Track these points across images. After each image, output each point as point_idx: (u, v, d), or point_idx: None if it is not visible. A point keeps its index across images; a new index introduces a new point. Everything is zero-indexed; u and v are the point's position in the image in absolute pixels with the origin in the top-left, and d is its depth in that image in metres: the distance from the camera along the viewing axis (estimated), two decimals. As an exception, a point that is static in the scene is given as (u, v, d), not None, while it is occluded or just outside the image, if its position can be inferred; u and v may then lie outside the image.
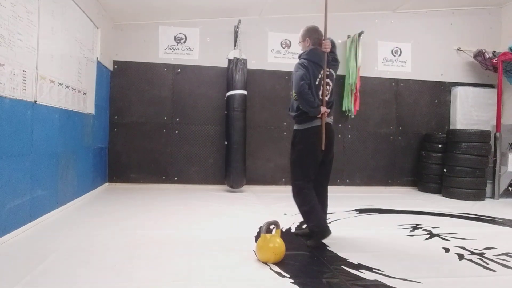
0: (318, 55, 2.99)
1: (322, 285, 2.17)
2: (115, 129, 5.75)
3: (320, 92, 2.96)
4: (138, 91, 5.80)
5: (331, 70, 3.06)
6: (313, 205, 2.94)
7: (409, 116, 6.49)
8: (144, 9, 5.43)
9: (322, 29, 3.10)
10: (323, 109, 2.91)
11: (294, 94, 2.93)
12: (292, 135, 3.11)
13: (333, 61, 3.11)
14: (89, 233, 3.11)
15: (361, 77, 6.07)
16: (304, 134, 2.98)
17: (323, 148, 2.93)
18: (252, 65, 5.85)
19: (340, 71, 6.12)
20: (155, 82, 5.84)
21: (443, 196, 5.76)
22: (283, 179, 6.04)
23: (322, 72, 2.97)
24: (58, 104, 3.71)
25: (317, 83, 2.96)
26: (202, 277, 2.25)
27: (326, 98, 2.98)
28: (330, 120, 3.05)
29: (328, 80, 3.01)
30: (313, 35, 3.09)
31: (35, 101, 3.21)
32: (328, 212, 3.23)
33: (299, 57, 3.09)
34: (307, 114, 2.93)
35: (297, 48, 6.02)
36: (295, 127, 3.06)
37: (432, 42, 6.52)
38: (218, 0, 5.36)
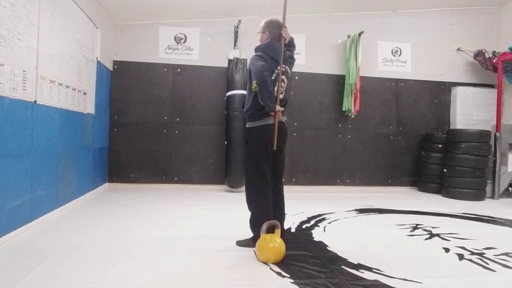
0: (276, 49, 2.90)
1: (322, 285, 2.17)
2: (115, 129, 5.75)
3: (275, 89, 2.83)
4: (138, 91, 5.80)
5: (286, 67, 2.97)
6: (267, 214, 2.72)
7: (409, 116, 6.49)
8: (144, 9, 5.43)
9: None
10: (277, 107, 2.76)
11: (254, 85, 2.71)
12: (245, 133, 2.97)
13: (290, 58, 3.01)
14: (89, 233, 3.11)
15: (361, 77, 6.06)
16: (257, 131, 2.82)
17: (274, 148, 2.80)
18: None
19: (340, 71, 6.24)
20: (155, 82, 5.84)
21: (443, 196, 5.76)
22: (283, 179, 6.01)
23: (278, 68, 2.85)
24: (58, 104, 3.71)
25: (273, 78, 2.84)
26: (202, 277, 2.25)
27: (281, 96, 2.85)
28: (284, 118, 2.93)
29: (283, 77, 2.89)
30: (273, 29, 2.95)
31: (35, 101, 3.21)
32: (328, 212, 3.21)
33: (256, 49, 2.93)
34: (261, 111, 2.77)
35: (298, 48, 6.05)
36: (248, 124, 2.90)
37: (432, 42, 6.52)
38: (218, 0, 5.36)
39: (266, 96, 2.70)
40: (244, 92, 5.44)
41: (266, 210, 2.77)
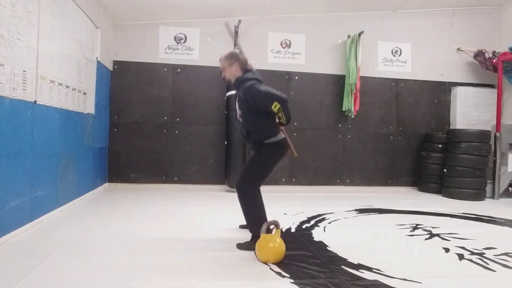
0: (258, 74, 2.98)
1: (322, 285, 2.17)
2: (115, 129, 5.75)
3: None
4: (138, 91, 5.80)
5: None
6: (263, 211, 2.88)
7: (409, 116, 6.49)
8: (144, 9, 5.43)
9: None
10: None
11: (276, 105, 2.70)
12: (255, 147, 2.94)
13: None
14: (89, 233, 3.11)
15: (361, 77, 6.06)
16: (276, 145, 2.89)
17: (296, 155, 3.07)
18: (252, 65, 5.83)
19: (340, 71, 6.24)
20: (155, 82, 5.84)
21: (443, 196, 5.76)
22: (283, 179, 6.04)
23: None
24: (58, 104, 3.71)
25: None
26: (202, 277, 2.25)
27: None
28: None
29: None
30: (239, 58, 2.97)
31: (35, 101, 3.21)
32: (328, 212, 3.22)
33: (242, 81, 2.87)
34: (274, 128, 2.89)
35: (298, 48, 6.13)
36: (265, 141, 2.87)
37: (432, 42, 6.52)
38: (218, 0, 5.36)
39: (288, 110, 2.79)
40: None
41: (263, 208, 2.89)
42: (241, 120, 2.96)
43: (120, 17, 5.61)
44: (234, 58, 2.97)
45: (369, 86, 6.30)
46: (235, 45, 5.76)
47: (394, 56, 6.46)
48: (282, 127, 3.00)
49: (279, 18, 6.09)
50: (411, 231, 3.54)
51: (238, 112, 2.99)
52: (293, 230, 3.46)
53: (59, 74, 3.72)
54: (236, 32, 5.82)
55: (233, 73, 2.97)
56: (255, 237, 2.77)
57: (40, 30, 3.27)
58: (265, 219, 2.82)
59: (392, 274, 2.36)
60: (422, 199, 5.47)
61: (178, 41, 5.91)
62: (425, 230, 3.58)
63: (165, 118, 5.86)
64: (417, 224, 3.80)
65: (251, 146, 3.01)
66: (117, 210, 4.08)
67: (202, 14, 5.77)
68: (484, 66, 6.33)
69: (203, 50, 5.93)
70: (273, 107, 2.72)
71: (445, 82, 6.58)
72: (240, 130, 3.05)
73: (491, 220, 4.17)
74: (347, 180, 6.30)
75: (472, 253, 2.86)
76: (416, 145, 6.47)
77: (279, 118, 2.82)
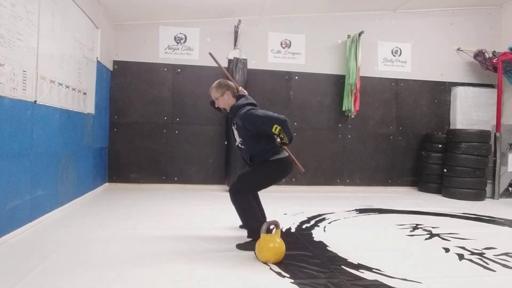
0: (251, 98, 3.00)
1: (322, 285, 2.17)
2: (115, 129, 5.75)
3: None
4: (138, 91, 5.80)
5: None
6: (257, 209, 2.94)
7: (409, 116, 6.49)
8: (144, 9, 5.43)
9: None
10: None
11: (276, 128, 2.69)
12: (261, 162, 2.93)
13: None
14: (89, 233, 3.11)
15: (361, 77, 6.06)
16: (281, 163, 2.93)
17: (303, 170, 3.22)
18: (252, 65, 5.84)
19: (340, 71, 6.24)
20: (155, 82, 5.84)
21: (443, 196, 5.76)
22: (283, 179, 6.02)
23: None
24: (58, 104, 3.71)
25: None
26: (202, 277, 2.25)
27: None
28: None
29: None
30: (229, 86, 2.98)
31: (35, 101, 3.21)
32: (328, 212, 3.22)
33: (237, 108, 2.86)
34: (276, 147, 2.91)
35: (298, 48, 6.12)
36: (271, 158, 2.89)
37: (432, 42, 6.52)
38: (218, 0, 5.36)
39: (289, 130, 2.78)
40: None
41: (255, 205, 2.94)
42: (242, 147, 2.97)
43: (120, 17, 5.61)
44: (224, 87, 2.96)
45: (369, 86, 6.30)
46: (235, 46, 5.77)
47: (394, 56, 6.46)
48: (285, 146, 3.00)
49: (279, 18, 6.09)
50: (411, 231, 3.54)
51: (238, 140, 3.00)
52: (293, 230, 3.47)
53: (59, 74, 3.72)
54: (236, 32, 5.83)
55: (226, 102, 2.96)
56: (252, 232, 2.81)
57: (40, 30, 3.27)
58: (260, 217, 2.87)
59: (392, 274, 2.36)
60: (422, 199, 5.47)
61: (178, 41, 5.91)
62: (425, 230, 3.58)
63: (165, 118, 5.86)
64: (417, 224, 3.80)
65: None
66: (117, 210, 4.07)
67: (202, 14, 5.77)
68: (484, 66, 6.34)
69: (203, 50, 5.92)
70: (273, 129, 2.71)
71: (445, 82, 6.58)
72: (243, 157, 3.05)
73: (491, 220, 4.17)
74: (347, 180, 6.30)
75: (472, 253, 2.86)
76: (416, 145, 6.47)
77: (281, 139, 2.81)
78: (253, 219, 2.85)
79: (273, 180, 2.99)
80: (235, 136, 3.04)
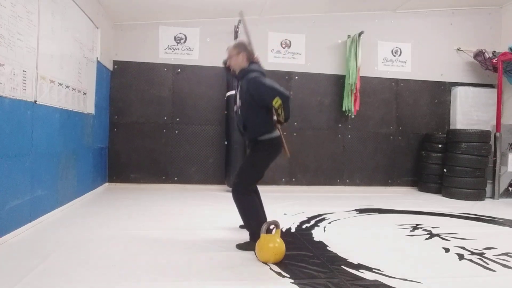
0: (263, 68, 2.96)
1: (322, 285, 2.17)
2: (115, 129, 5.75)
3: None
4: (138, 91, 5.80)
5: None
6: (259, 210, 2.92)
7: (409, 116, 6.49)
8: (144, 9, 5.43)
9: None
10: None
11: (277, 101, 2.67)
12: (251, 143, 2.97)
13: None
14: (89, 233, 3.11)
15: (361, 77, 6.06)
16: (271, 143, 2.89)
17: (289, 155, 3.03)
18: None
19: (340, 71, 6.24)
20: (155, 82, 5.84)
21: (443, 196, 5.76)
22: (283, 179, 6.04)
23: None
24: (58, 104, 3.71)
25: None
26: (202, 277, 2.25)
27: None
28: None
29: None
30: (247, 49, 2.94)
31: (35, 101, 3.21)
32: (328, 212, 3.22)
33: (246, 72, 2.84)
34: (271, 124, 2.87)
35: (298, 48, 6.12)
36: (260, 137, 2.86)
37: (432, 42, 6.52)
38: (218, 0, 5.36)
39: (288, 106, 2.76)
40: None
41: (257, 205, 2.91)
42: (239, 112, 2.94)
43: (120, 17, 5.61)
44: (242, 47, 2.94)
45: (369, 86, 6.30)
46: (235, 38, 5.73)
47: (394, 56, 6.46)
48: (279, 125, 2.97)
49: (279, 18, 6.09)
50: (411, 231, 3.54)
51: (238, 103, 2.95)
52: (293, 230, 3.46)
53: (59, 74, 3.72)
54: (236, 32, 5.82)
55: (239, 62, 2.93)
56: (253, 234, 2.78)
57: (40, 30, 3.27)
58: (261, 217, 2.85)
59: (392, 274, 2.36)
60: (422, 199, 5.47)
61: (178, 41, 5.91)
62: (425, 230, 3.58)
63: (165, 118, 5.86)
64: (417, 224, 3.80)
65: (247, 142, 2.99)
66: (117, 210, 4.07)
67: (202, 14, 5.77)
68: (484, 66, 6.34)
69: (203, 50, 5.93)
70: (274, 102, 2.70)
71: (445, 82, 6.58)
72: (237, 124, 3.04)
73: (491, 220, 4.17)
74: (347, 180, 6.30)
75: (472, 253, 2.86)
76: (416, 145, 6.47)
77: (278, 115, 2.80)
78: (255, 220, 2.81)
79: (267, 162, 2.94)
80: (236, 100, 2.98)
